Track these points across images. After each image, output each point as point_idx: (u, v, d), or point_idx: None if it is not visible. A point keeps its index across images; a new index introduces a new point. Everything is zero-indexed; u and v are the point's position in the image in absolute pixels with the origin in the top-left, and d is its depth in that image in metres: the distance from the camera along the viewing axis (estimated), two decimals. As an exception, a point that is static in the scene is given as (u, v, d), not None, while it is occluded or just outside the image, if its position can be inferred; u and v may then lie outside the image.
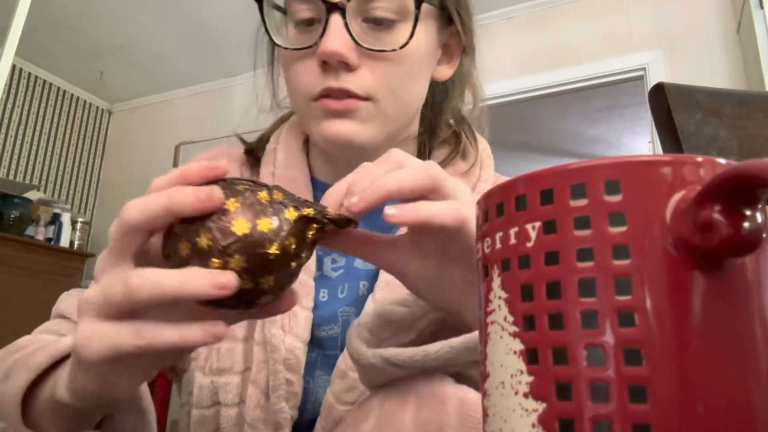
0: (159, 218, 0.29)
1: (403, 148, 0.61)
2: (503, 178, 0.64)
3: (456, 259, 0.35)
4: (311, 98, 0.52)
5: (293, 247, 0.30)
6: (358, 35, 0.50)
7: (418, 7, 0.52)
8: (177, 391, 0.62)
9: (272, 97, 0.66)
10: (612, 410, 0.18)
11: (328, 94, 0.51)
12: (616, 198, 0.19)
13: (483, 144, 0.65)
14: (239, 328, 0.55)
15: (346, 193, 0.33)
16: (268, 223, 0.29)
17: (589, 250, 0.19)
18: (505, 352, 0.21)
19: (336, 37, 0.49)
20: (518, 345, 0.20)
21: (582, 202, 0.20)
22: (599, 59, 2.76)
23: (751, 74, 2.26)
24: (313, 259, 0.57)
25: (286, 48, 0.53)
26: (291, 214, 0.30)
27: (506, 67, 2.86)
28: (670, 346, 0.18)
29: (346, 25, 0.50)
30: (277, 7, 0.57)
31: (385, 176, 0.33)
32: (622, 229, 0.19)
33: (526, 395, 0.20)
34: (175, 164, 3.58)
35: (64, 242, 3.32)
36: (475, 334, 0.34)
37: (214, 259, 0.28)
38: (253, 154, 0.65)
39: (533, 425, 0.19)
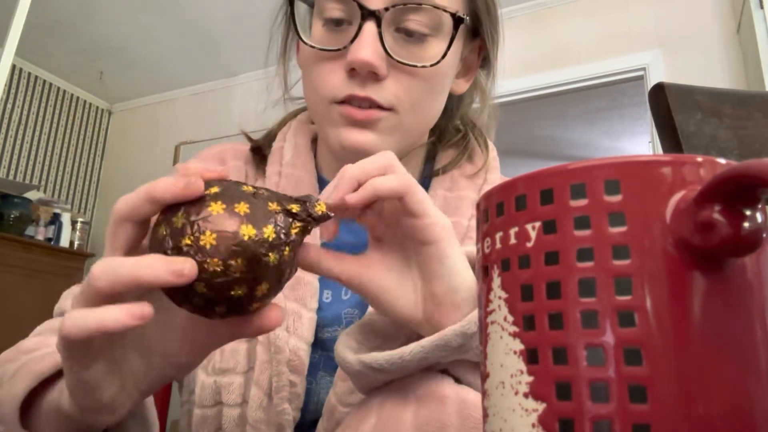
0: (142, 206, 0.29)
1: (413, 154, 0.61)
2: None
3: (414, 265, 0.37)
4: (333, 101, 0.52)
5: (272, 237, 0.29)
6: (390, 46, 0.50)
7: (456, 27, 0.52)
8: (178, 390, 0.62)
9: (284, 90, 0.65)
10: (612, 410, 0.18)
11: (350, 100, 0.51)
12: (616, 198, 0.19)
13: (493, 152, 0.65)
14: None
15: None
16: (246, 208, 0.29)
17: (589, 250, 0.19)
18: (505, 352, 0.21)
19: (370, 47, 0.49)
20: (518, 345, 0.20)
21: (582, 202, 0.20)
22: (599, 59, 2.76)
23: (751, 74, 2.26)
24: None
25: (313, 47, 0.52)
26: (273, 206, 0.30)
27: (506, 67, 2.85)
28: (670, 346, 0.18)
29: (380, 34, 0.49)
30: (306, 0, 0.56)
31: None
32: (622, 229, 0.19)
33: (526, 395, 0.20)
34: (175, 164, 3.58)
35: (64, 242, 3.32)
36: (444, 332, 0.35)
37: (184, 239, 0.28)
38: (260, 152, 0.64)
39: (533, 425, 0.19)
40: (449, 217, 0.58)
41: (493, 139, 0.67)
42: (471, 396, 0.36)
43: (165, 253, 0.28)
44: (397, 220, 0.36)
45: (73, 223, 3.47)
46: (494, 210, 0.22)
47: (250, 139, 0.66)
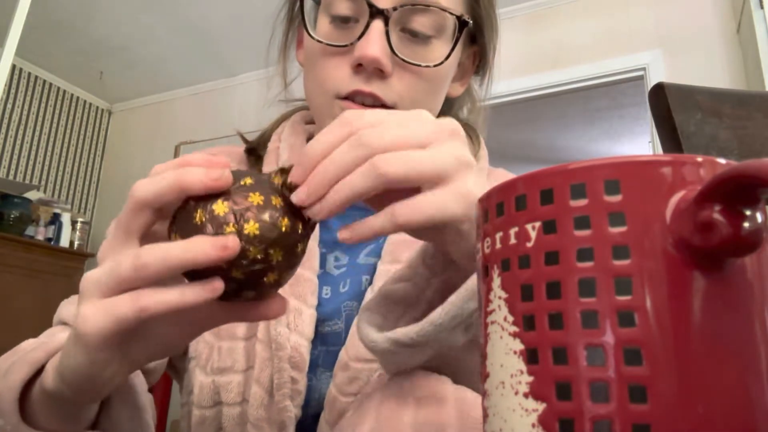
0: (168, 193, 0.30)
1: None
2: (498, 171, 0.65)
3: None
4: (336, 96, 0.52)
5: (300, 228, 0.31)
6: (395, 45, 0.51)
7: (461, 30, 0.53)
8: (179, 391, 0.62)
9: (284, 85, 0.66)
10: (612, 410, 0.18)
11: (354, 96, 0.52)
12: (616, 198, 0.19)
13: (483, 144, 0.66)
14: (240, 327, 0.55)
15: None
16: (280, 201, 0.30)
17: (589, 250, 0.19)
18: (505, 352, 0.21)
19: (377, 43, 0.50)
20: (518, 345, 0.20)
21: (582, 202, 0.20)
22: (599, 59, 2.76)
23: (751, 74, 2.26)
24: (317, 257, 0.57)
25: (320, 41, 0.53)
26: None
27: (506, 67, 2.85)
28: (670, 346, 0.18)
29: (387, 32, 0.50)
30: None
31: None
32: (622, 229, 0.19)
33: (526, 395, 0.20)
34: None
35: (64, 242, 3.32)
36: (469, 282, 0.33)
37: (228, 227, 0.29)
38: (255, 153, 0.64)
39: (533, 425, 0.19)
40: None
41: (485, 139, 0.68)
42: (470, 396, 0.36)
43: (199, 232, 0.29)
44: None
45: (73, 223, 3.47)
46: (494, 210, 0.22)
47: (245, 140, 0.67)
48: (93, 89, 4.05)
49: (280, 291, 0.34)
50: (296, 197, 0.30)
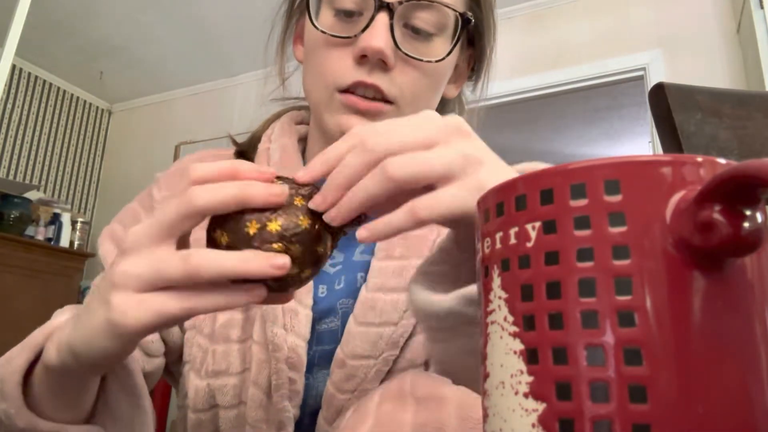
0: (230, 206, 0.31)
1: None
2: None
3: None
4: (338, 88, 0.53)
5: (330, 249, 0.34)
6: (399, 40, 0.51)
7: (464, 27, 0.54)
8: (176, 394, 0.62)
9: (281, 82, 0.66)
10: (612, 410, 0.18)
11: (355, 88, 0.52)
12: (616, 198, 0.19)
13: None
14: (234, 330, 0.55)
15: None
16: (323, 226, 0.33)
17: (589, 250, 0.19)
18: (505, 352, 0.21)
19: (382, 35, 0.50)
20: (518, 345, 0.20)
21: (582, 202, 0.20)
22: (599, 59, 2.76)
23: (751, 74, 2.26)
24: None
25: (324, 32, 0.53)
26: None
27: (506, 67, 2.86)
28: (670, 346, 0.18)
29: (391, 26, 0.51)
30: None
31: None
32: (622, 229, 0.19)
33: (526, 395, 0.20)
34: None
35: (64, 242, 3.32)
36: None
37: (276, 245, 0.31)
38: (245, 155, 0.64)
39: (533, 425, 0.19)
40: None
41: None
42: (470, 396, 0.36)
43: (252, 246, 0.31)
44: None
45: (73, 223, 3.47)
46: (494, 210, 0.22)
47: (235, 143, 0.66)
48: (93, 89, 4.05)
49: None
50: (313, 203, 0.32)
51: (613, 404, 0.18)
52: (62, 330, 0.36)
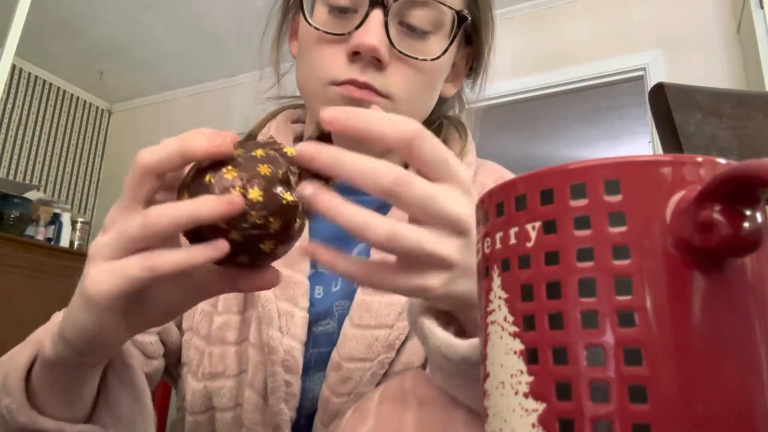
0: (172, 160, 0.31)
1: None
2: (488, 163, 0.65)
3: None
4: (331, 83, 0.52)
5: (301, 205, 0.33)
6: (393, 37, 0.51)
7: (459, 26, 0.53)
8: (176, 395, 0.61)
9: (276, 79, 0.66)
10: (612, 410, 0.18)
11: (349, 84, 0.52)
12: (616, 198, 0.19)
13: (471, 138, 0.66)
14: (231, 332, 0.54)
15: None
16: (287, 176, 0.32)
17: (589, 250, 0.19)
18: (505, 352, 0.21)
19: (376, 33, 0.50)
20: (518, 345, 0.20)
21: (582, 202, 0.20)
22: (599, 59, 2.76)
23: (751, 74, 2.26)
24: (307, 258, 0.56)
25: (317, 29, 0.53)
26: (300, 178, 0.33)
27: (506, 67, 2.86)
28: (670, 346, 0.18)
29: (386, 23, 0.50)
30: None
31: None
32: (622, 229, 0.19)
33: (526, 395, 0.20)
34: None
35: (64, 242, 3.32)
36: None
37: (234, 190, 0.31)
38: None
39: (533, 425, 0.19)
40: None
41: (478, 140, 0.68)
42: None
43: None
44: None
45: (73, 223, 3.46)
46: (494, 210, 0.22)
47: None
48: (93, 89, 4.04)
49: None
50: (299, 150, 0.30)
51: (613, 404, 0.18)
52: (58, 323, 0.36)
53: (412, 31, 0.52)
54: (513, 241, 0.21)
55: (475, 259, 0.29)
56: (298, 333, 0.52)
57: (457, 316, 0.34)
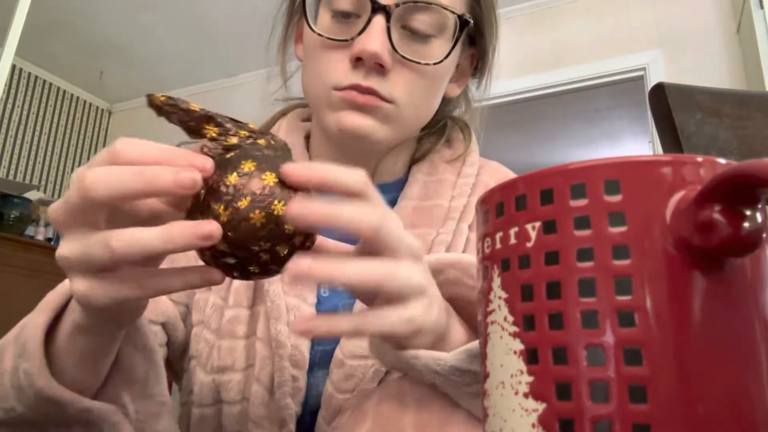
0: (126, 198, 0.29)
1: (403, 147, 0.62)
2: (491, 163, 0.66)
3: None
4: (335, 88, 0.53)
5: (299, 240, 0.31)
6: (396, 42, 0.51)
7: (461, 29, 0.54)
8: (178, 391, 0.62)
9: (283, 81, 0.66)
10: (612, 410, 0.18)
11: (352, 89, 0.52)
12: (616, 198, 0.19)
13: (474, 139, 0.67)
14: (240, 326, 0.55)
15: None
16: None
17: (589, 250, 0.19)
18: (505, 352, 0.21)
19: (378, 39, 0.50)
20: (518, 345, 0.20)
21: (582, 202, 0.20)
22: (599, 59, 2.76)
23: (751, 74, 2.26)
24: None
25: (320, 35, 0.53)
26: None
27: (506, 67, 2.86)
28: (670, 346, 0.18)
29: (388, 29, 0.51)
30: None
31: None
32: (622, 229, 0.19)
33: (526, 395, 0.20)
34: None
35: (64, 242, 3.31)
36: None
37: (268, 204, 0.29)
38: None
39: (533, 425, 0.19)
40: (429, 200, 0.59)
41: (482, 140, 0.68)
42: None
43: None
44: None
45: (73, 223, 3.46)
46: (494, 210, 0.22)
47: None
48: (93, 89, 4.05)
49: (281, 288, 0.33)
50: (291, 174, 0.30)
51: (613, 404, 0.18)
52: None
53: (415, 35, 0.53)
54: (513, 241, 0.21)
55: (436, 313, 0.33)
56: None
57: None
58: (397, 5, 0.51)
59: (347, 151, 0.57)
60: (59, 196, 3.81)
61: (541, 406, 0.19)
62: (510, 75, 2.85)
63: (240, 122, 0.33)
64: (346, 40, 0.52)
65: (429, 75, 0.54)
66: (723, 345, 0.18)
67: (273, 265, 0.31)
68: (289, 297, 0.54)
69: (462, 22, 0.54)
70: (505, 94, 2.84)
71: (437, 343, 0.35)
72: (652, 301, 0.18)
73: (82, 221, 0.29)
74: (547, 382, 0.19)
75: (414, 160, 0.63)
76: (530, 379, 0.20)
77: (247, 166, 0.30)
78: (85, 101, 4.09)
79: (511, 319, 0.21)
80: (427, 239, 0.56)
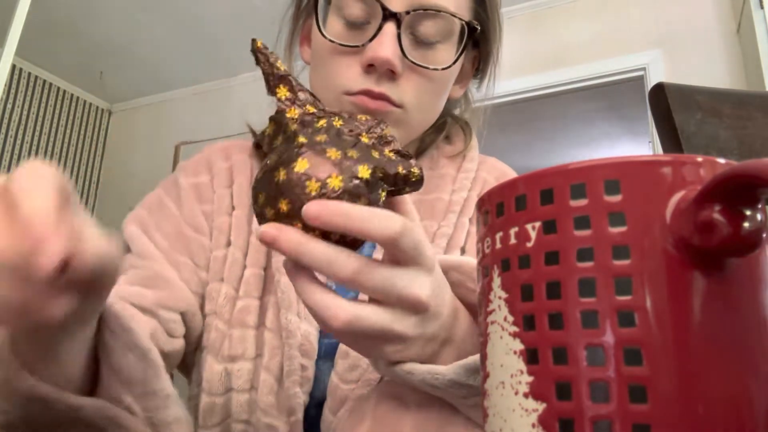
0: None
1: (408, 147, 0.63)
2: (490, 159, 0.67)
3: None
4: (346, 93, 0.54)
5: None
6: (405, 48, 0.52)
7: (470, 35, 0.55)
8: (187, 384, 0.62)
9: None
10: (612, 410, 0.18)
11: (363, 94, 0.53)
12: (616, 198, 0.19)
13: (474, 141, 0.68)
14: (250, 316, 0.56)
15: None
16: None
17: (589, 250, 0.19)
18: (505, 352, 0.21)
19: (390, 45, 0.51)
20: (518, 345, 0.20)
21: (582, 202, 0.20)
22: (599, 59, 2.76)
23: (751, 74, 2.26)
24: None
25: (332, 41, 0.54)
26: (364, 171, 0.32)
27: (506, 67, 2.85)
28: (670, 346, 0.18)
29: (399, 35, 0.51)
30: None
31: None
32: (622, 229, 0.19)
33: (526, 395, 0.20)
34: (175, 164, 3.58)
35: (64, 242, 3.32)
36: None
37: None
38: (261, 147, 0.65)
39: (533, 425, 0.19)
40: (430, 194, 0.60)
41: (484, 138, 0.69)
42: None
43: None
44: None
45: (73, 223, 3.46)
46: (494, 210, 0.22)
47: (254, 134, 0.67)
48: (93, 89, 4.04)
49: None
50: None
51: (613, 404, 0.18)
52: None
53: (422, 41, 0.54)
54: (513, 241, 0.21)
55: (433, 328, 0.34)
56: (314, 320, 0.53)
57: None
58: (407, 12, 0.52)
59: None
60: (59, 196, 3.81)
61: (541, 406, 0.19)
62: (510, 75, 2.85)
63: (313, 99, 0.35)
64: (357, 46, 0.53)
65: (437, 79, 0.55)
66: (723, 345, 0.18)
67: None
68: None
69: (470, 29, 0.55)
70: (505, 94, 2.84)
71: (441, 349, 0.36)
72: (652, 301, 0.18)
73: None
74: (547, 382, 0.19)
75: (415, 155, 0.64)
76: (530, 379, 0.20)
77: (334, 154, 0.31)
78: (85, 101, 4.09)
79: (511, 319, 0.21)
80: (429, 232, 0.57)
